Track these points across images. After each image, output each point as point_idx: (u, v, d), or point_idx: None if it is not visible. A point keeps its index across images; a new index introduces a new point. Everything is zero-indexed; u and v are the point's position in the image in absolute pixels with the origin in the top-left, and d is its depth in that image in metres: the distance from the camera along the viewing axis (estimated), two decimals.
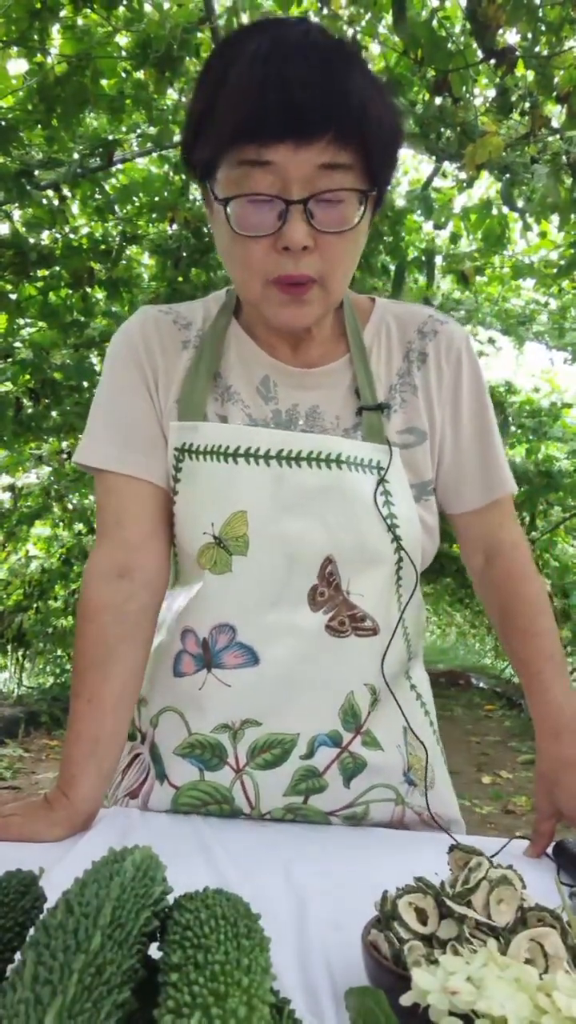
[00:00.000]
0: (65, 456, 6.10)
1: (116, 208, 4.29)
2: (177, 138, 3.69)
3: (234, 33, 0.87)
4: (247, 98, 0.78)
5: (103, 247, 4.30)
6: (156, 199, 4.23)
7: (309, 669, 0.92)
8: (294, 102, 0.76)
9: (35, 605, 7.54)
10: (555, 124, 3.20)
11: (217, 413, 0.96)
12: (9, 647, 7.54)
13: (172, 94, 3.77)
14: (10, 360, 4.52)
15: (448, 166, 3.91)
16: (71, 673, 0.96)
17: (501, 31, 2.75)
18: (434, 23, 2.94)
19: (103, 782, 0.91)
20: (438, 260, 4.83)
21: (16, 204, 3.73)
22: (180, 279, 4.30)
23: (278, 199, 0.81)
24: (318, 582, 0.92)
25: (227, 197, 0.83)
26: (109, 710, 0.91)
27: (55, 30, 3.18)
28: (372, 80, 0.83)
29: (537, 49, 2.94)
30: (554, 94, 3.04)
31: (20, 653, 7.75)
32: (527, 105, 3.13)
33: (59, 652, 7.76)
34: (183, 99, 3.74)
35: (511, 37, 2.95)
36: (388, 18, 3.10)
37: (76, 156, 3.69)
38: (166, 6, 3.26)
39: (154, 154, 4.13)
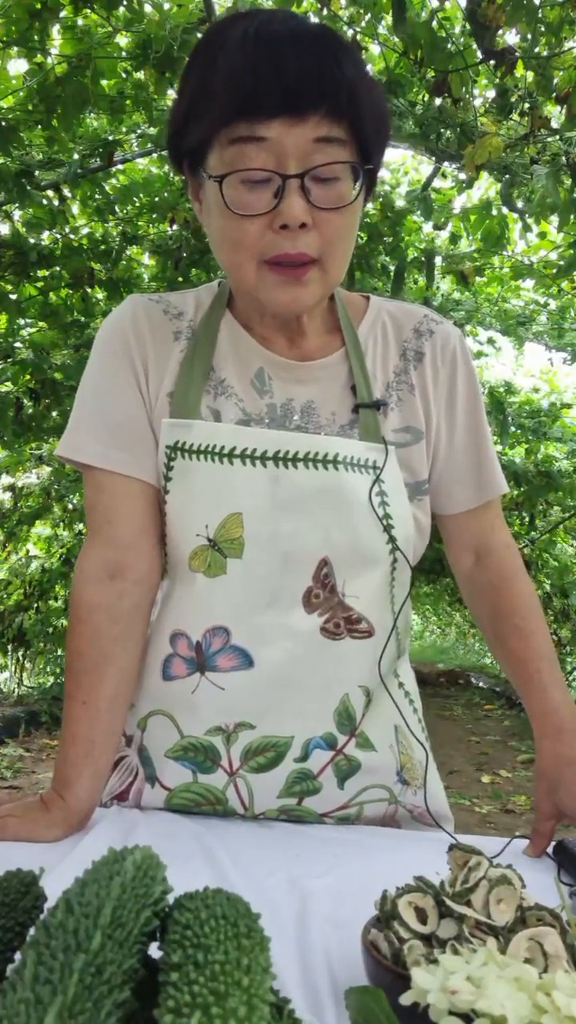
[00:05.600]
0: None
1: (116, 208, 4.29)
2: None
3: (218, 23, 0.87)
4: (240, 78, 0.79)
5: (103, 247, 4.30)
6: (156, 199, 4.23)
7: (303, 671, 0.92)
8: (288, 80, 0.77)
9: (35, 605, 7.53)
10: (555, 125, 3.20)
11: (210, 407, 0.94)
12: (9, 647, 7.54)
13: (172, 94, 3.76)
14: (10, 360, 4.51)
15: (448, 167, 3.92)
16: (65, 673, 0.96)
17: (501, 32, 2.75)
18: (434, 24, 2.94)
19: (99, 783, 0.91)
20: (438, 261, 4.83)
21: (16, 204, 3.72)
22: (180, 279, 4.30)
23: (275, 175, 0.80)
24: (313, 584, 0.92)
25: (223, 174, 0.82)
26: (104, 711, 0.90)
27: (55, 30, 3.18)
28: (357, 60, 0.84)
29: (537, 50, 2.94)
30: (553, 95, 3.04)
31: (20, 653, 7.75)
32: (527, 106, 3.13)
33: (59, 652, 7.76)
34: None
35: (511, 38, 2.95)
36: (388, 19, 3.10)
37: (76, 156, 3.69)
38: (166, 6, 3.26)
39: (154, 154, 4.12)
